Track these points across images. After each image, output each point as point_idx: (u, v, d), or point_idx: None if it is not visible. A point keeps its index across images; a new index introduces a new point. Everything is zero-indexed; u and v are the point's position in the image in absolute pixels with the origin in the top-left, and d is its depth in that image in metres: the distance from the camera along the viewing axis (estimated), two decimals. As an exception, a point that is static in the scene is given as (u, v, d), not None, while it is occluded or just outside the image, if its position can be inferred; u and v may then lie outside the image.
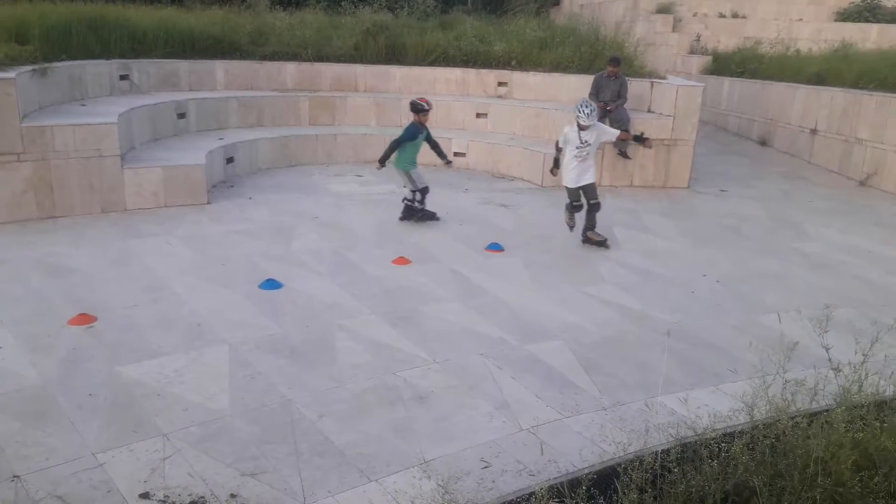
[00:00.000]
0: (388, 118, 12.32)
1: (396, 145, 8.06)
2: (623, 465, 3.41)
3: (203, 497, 3.39)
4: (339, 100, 12.37)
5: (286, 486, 3.52)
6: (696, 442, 3.77)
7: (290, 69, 12.54)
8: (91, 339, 4.95)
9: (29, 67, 8.40)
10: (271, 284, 6.14)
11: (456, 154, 11.49)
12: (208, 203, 8.55)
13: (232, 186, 9.52)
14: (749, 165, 12.63)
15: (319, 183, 10.05)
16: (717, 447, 3.62)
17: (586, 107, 7.24)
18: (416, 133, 8.14)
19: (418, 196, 8.21)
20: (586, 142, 7.35)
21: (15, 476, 3.44)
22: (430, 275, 6.62)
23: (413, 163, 8.23)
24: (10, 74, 7.64)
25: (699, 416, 4.09)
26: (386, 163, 8.16)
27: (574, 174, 7.50)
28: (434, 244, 7.51)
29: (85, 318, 5.19)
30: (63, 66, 9.40)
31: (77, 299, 5.58)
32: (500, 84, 12.75)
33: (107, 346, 4.86)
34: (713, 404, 4.43)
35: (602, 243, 7.62)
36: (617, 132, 7.83)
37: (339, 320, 5.52)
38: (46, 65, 8.90)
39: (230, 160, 9.99)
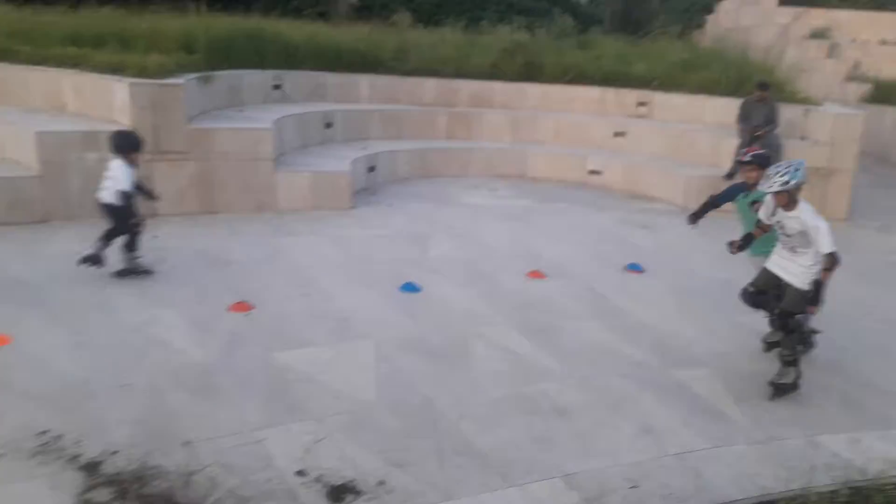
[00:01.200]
0: (523, 134, 12.36)
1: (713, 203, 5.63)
2: (785, 501, 3.20)
3: (353, 480, 3.49)
4: (476, 116, 12.53)
5: (430, 481, 3.57)
6: (867, 486, 3.49)
7: (430, 85, 12.86)
8: (249, 326, 5.25)
9: (195, 75, 9.07)
10: (410, 287, 6.27)
11: (591, 172, 11.35)
12: (352, 208, 8.88)
13: (373, 194, 9.85)
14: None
15: (454, 195, 10.20)
16: (894, 494, 3.33)
17: (782, 170, 4.54)
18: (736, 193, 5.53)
19: None
20: (780, 224, 4.75)
21: (187, 442, 3.68)
22: (566, 290, 6.53)
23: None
24: (180, 81, 8.29)
25: (870, 460, 3.77)
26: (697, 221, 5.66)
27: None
28: (570, 261, 7.40)
29: (244, 306, 5.52)
30: (224, 75, 10.09)
31: (235, 288, 5.93)
32: (639, 104, 12.48)
33: (263, 333, 5.13)
34: (883, 450, 4.07)
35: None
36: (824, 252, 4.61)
37: (476, 328, 5.54)
38: (210, 73, 9.58)
39: (372, 169, 10.35)
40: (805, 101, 11.14)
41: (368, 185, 10.14)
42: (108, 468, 3.47)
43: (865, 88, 16.06)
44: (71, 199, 7.51)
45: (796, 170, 4.52)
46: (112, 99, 8.14)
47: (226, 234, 7.54)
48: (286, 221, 8.14)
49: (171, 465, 3.51)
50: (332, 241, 7.49)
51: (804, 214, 4.58)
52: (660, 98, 12.25)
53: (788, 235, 4.72)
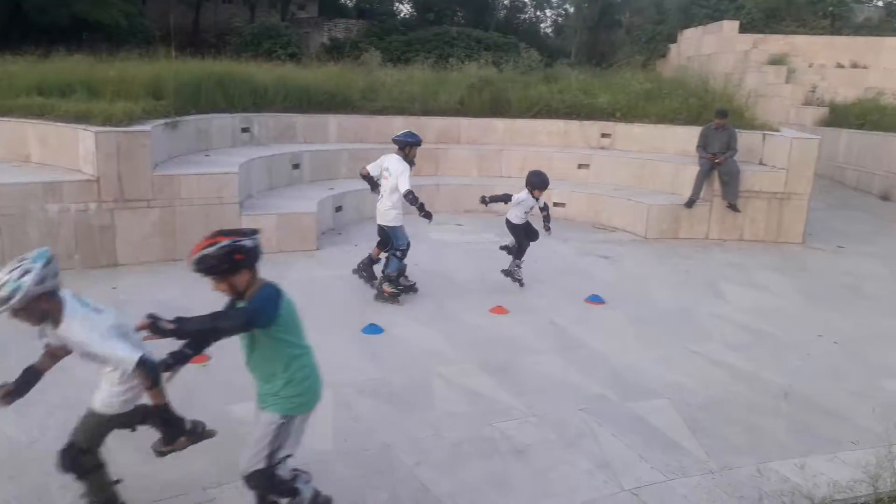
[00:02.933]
0: (489, 169, 12.53)
1: None
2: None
3: (306, 535, 3.48)
4: (442, 151, 12.70)
5: (384, 531, 3.57)
6: (813, 514, 3.55)
7: (398, 123, 12.98)
8: (205, 377, 5.23)
9: (162, 121, 9.14)
10: (373, 329, 6.30)
11: (556, 204, 11.48)
12: (318, 249, 8.93)
13: (340, 234, 9.91)
14: (869, 221, 11.90)
15: (420, 231, 10.25)
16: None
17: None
18: None
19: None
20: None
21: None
22: (529, 325, 6.60)
23: None
24: (146, 127, 8.34)
25: (816, 485, 3.84)
26: None
27: None
28: (532, 294, 7.49)
29: (200, 357, 5.46)
30: (192, 119, 10.18)
31: (195, 337, 5.90)
32: (603, 135, 12.72)
33: (219, 385, 5.12)
34: (831, 473, 4.14)
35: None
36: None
37: (438, 367, 5.58)
38: (178, 118, 9.66)
39: (339, 209, 10.43)
40: (763, 126, 11.43)
41: (335, 226, 10.20)
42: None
43: (822, 112, 16.48)
44: (30, 250, 7.47)
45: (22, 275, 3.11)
46: (77, 148, 8.17)
47: (188, 282, 7.48)
48: (251, 266, 8.14)
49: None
50: (294, 284, 7.48)
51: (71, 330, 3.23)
52: (622, 129, 12.50)
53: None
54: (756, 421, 4.89)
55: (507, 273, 7.71)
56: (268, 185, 10.38)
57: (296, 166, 11.13)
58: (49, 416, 4.57)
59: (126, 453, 4.12)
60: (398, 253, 7.22)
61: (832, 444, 4.59)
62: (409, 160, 7.25)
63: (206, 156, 9.97)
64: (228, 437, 4.36)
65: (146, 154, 8.12)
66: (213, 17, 32.49)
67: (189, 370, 5.25)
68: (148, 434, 3.67)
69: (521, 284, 7.70)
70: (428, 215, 7.10)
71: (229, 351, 5.63)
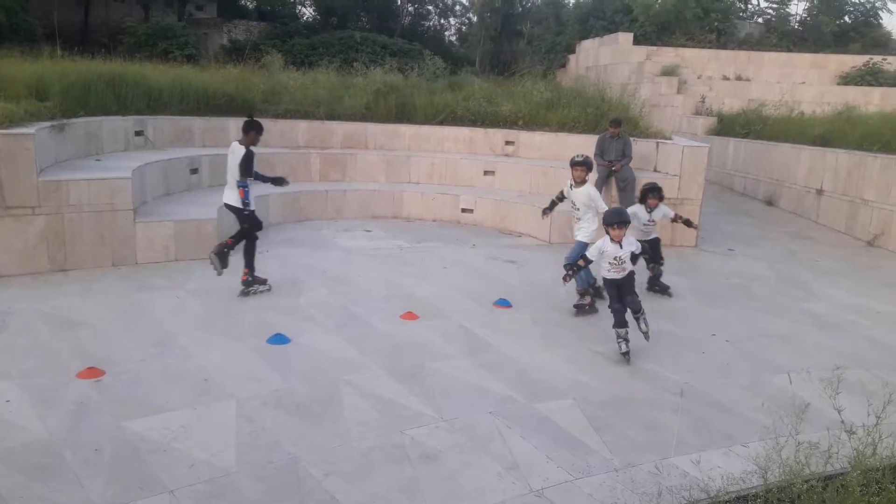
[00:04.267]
0: (397, 175, 12.51)
1: None
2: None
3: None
4: (350, 157, 12.58)
5: (291, 547, 3.46)
6: (709, 505, 3.71)
7: (303, 127, 12.81)
8: (98, 393, 4.94)
9: (48, 123, 8.60)
10: (279, 339, 6.14)
11: (463, 210, 11.62)
12: (218, 257, 8.61)
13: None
14: (756, 225, 12.69)
15: (329, 237, 10.14)
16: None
17: None
18: None
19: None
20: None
21: (17, 532, 3.39)
22: (438, 330, 6.61)
23: None
24: (29, 130, 7.82)
25: (712, 479, 4.02)
26: None
27: None
28: (442, 300, 7.51)
29: (93, 372, 5.19)
30: (80, 122, 9.63)
31: (85, 353, 5.58)
32: (507, 143, 12.96)
33: (114, 401, 4.84)
34: (726, 466, 4.35)
35: None
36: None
37: (346, 375, 5.49)
38: (65, 121, 9.12)
39: (241, 215, 10.10)
40: (657, 135, 11.98)
41: (238, 233, 9.87)
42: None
43: (711, 121, 17.46)
44: None
45: None
46: (-51, 152, 7.55)
47: (78, 292, 7.11)
48: (145, 275, 7.79)
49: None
50: (194, 294, 7.23)
51: None
52: (525, 136, 12.78)
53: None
54: (656, 417, 5.08)
55: (654, 279, 8.01)
56: (164, 191, 9.95)
57: (194, 171, 10.73)
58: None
59: (10, 475, 3.82)
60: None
61: (727, 439, 4.82)
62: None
63: (97, 160, 9.46)
64: (127, 456, 4.14)
65: (29, 158, 7.61)
66: (104, 16, 30.86)
67: (80, 386, 4.97)
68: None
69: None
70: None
71: (125, 366, 5.38)
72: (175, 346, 5.89)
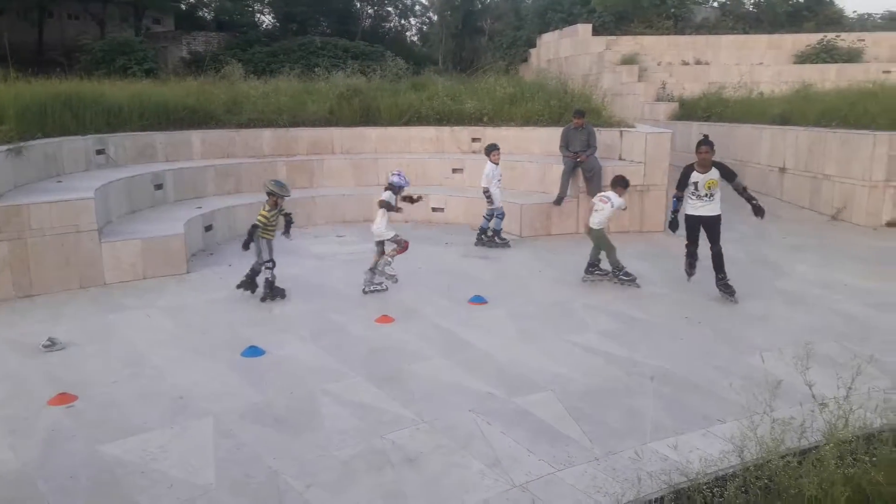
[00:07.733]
0: (366, 178, 12.47)
1: None
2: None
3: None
4: (317, 163, 12.51)
5: (276, 561, 3.43)
6: (689, 488, 3.75)
7: (267, 135, 12.70)
8: (71, 419, 4.84)
9: (4, 147, 8.43)
10: (253, 352, 6.07)
11: (434, 210, 11.62)
12: (188, 272, 8.51)
13: (211, 254, 9.51)
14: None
15: (300, 245, 10.06)
16: (711, 492, 3.60)
17: None
18: None
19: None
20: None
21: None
22: (415, 332, 6.60)
23: None
24: (-16, 155, 7.67)
25: (690, 461, 4.07)
26: None
27: None
28: (417, 300, 7.50)
29: (65, 398, 5.09)
30: (38, 144, 9.45)
31: (56, 378, 5.48)
32: (473, 140, 12.98)
33: (88, 426, 4.75)
34: (704, 447, 4.41)
35: None
36: None
37: (324, 384, 5.45)
38: (21, 144, 8.94)
39: (209, 228, 10.00)
40: (620, 124, 12.09)
41: (206, 246, 9.78)
42: None
43: (673, 107, 17.65)
44: None
45: None
46: None
47: (45, 317, 6.97)
48: (114, 296, 7.66)
49: None
50: (166, 312, 7.13)
51: None
52: (491, 132, 12.81)
53: None
54: (634, 404, 5.12)
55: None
56: (129, 209, 9.81)
57: (158, 187, 10.59)
58: None
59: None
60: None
61: (704, 420, 4.87)
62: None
63: (58, 182, 9.29)
64: (104, 480, 4.07)
65: (-15, 183, 7.45)
66: (59, 34, 30.31)
67: (53, 413, 4.87)
68: None
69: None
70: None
71: (98, 389, 5.28)
72: (148, 365, 5.80)
